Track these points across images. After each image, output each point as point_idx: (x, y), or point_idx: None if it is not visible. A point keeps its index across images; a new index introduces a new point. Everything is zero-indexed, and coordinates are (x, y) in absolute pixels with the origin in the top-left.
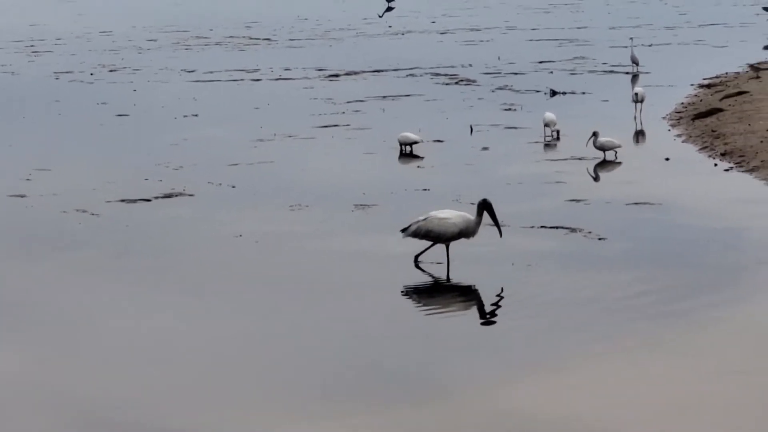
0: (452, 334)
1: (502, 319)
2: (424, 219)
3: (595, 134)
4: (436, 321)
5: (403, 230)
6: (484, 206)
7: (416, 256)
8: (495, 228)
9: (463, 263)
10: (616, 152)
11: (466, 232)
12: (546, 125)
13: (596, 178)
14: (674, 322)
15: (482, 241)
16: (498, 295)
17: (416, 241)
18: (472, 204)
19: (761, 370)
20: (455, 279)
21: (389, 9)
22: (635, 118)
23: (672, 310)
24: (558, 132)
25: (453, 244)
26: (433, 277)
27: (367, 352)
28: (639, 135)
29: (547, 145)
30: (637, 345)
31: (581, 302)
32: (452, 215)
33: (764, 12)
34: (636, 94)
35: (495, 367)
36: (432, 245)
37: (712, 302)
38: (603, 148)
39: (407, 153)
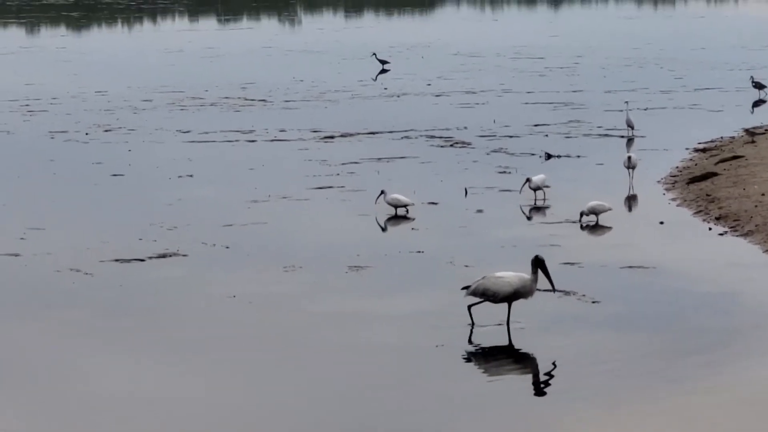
0: (445, 397)
1: (494, 382)
2: (483, 278)
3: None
4: (431, 383)
5: (465, 288)
6: (537, 263)
7: (469, 306)
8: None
9: (450, 326)
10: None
11: (522, 291)
12: (536, 189)
13: (581, 244)
14: (668, 386)
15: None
16: (491, 358)
17: (414, 304)
18: (466, 266)
19: None
20: (451, 341)
21: (384, 71)
22: (630, 185)
23: (666, 375)
24: (544, 193)
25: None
26: (433, 338)
27: (354, 415)
28: (633, 199)
29: (540, 209)
30: (631, 409)
31: (573, 365)
32: (507, 275)
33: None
34: (628, 158)
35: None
36: (479, 302)
37: (707, 366)
38: (594, 212)
39: (401, 215)
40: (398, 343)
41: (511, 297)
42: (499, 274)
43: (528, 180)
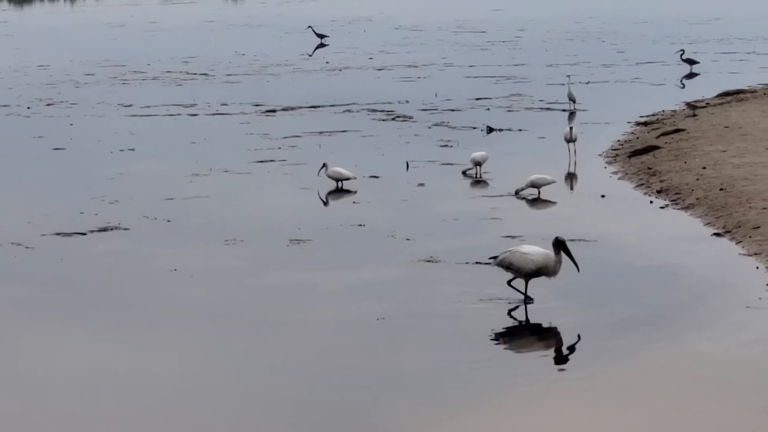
0: (388, 369)
1: (432, 355)
2: (509, 251)
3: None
4: (372, 355)
5: (493, 258)
6: (558, 244)
7: (509, 281)
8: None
9: (390, 299)
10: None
11: (546, 269)
12: (476, 164)
13: (522, 217)
14: (610, 359)
15: (418, 275)
16: (432, 332)
17: (355, 277)
18: (408, 240)
19: (697, 405)
20: (392, 313)
21: (322, 45)
22: (570, 159)
23: (607, 347)
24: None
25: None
26: (374, 311)
27: (296, 388)
28: (574, 172)
29: (481, 182)
30: (573, 382)
31: (515, 338)
32: (533, 251)
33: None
34: (570, 130)
35: (424, 404)
36: (513, 278)
37: (648, 339)
38: (535, 185)
39: (340, 188)
40: (339, 316)
41: (533, 274)
42: (525, 249)
43: (476, 165)
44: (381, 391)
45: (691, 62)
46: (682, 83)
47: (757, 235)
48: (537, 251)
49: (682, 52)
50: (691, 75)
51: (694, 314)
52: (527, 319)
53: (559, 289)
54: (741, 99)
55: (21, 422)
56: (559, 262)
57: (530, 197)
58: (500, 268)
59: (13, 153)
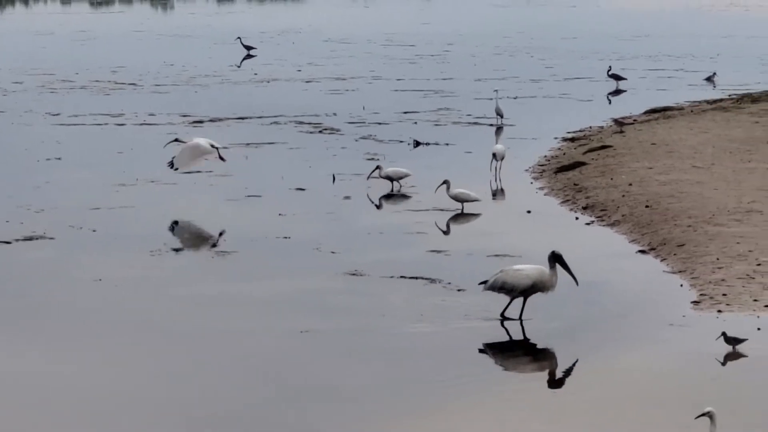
0: (305, 383)
1: (356, 368)
2: (501, 271)
3: (446, 182)
4: (292, 368)
5: (482, 283)
6: (555, 258)
7: (501, 313)
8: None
9: (315, 311)
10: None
11: (542, 285)
12: (393, 179)
13: (446, 232)
14: (531, 373)
15: (342, 288)
16: (357, 345)
17: (279, 289)
18: (333, 253)
19: (617, 419)
20: (316, 326)
21: (249, 56)
22: (495, 176)
23: (529, 362)
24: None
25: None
26: (298, 323)
27: (215, 399)
28: (501, 187)
29: (407, 197)
30: (494, 396)
31: (439, 354)
32: (526, 267)
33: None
34: (494, 154)
35: (347, 416)
36: (511, 300)
37: (570, 354)
38: (458, 199)
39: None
40: (264, 327)
41: (529, 290)
42: (517, 267)
43: (446, 183)
44: (303, 403)
45: (617, 78)
46: (609, 99)
47: (681, 253)
48: (530, 267)
49: (609, 68)
50: (617, 91)
51: (617, 331)
52: (451, 334)
53: (486, 305)
54: (668, 116)
55: None
56: (554, 275)
57: (456, 212)
58: (493, 291)
59: None
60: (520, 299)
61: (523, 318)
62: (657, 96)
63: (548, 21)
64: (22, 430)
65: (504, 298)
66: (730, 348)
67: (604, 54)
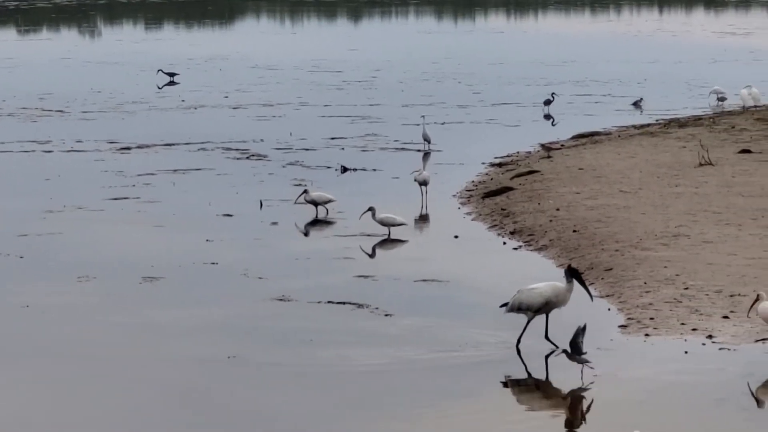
0: (232, 409)
1: (284, 393)
2: (518, 292)
3: (371, 209)
4: (219, 394)
5: (503, 306)
6: (571, 272)
7: (518, 339)
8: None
9: (243, 337)
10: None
11: (555, 301)
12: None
13: (373, 257)
14: (457, 399)
15: (270, 314)
16: (285, 371)
17: (207, 315)
18: (260, 278)
19: None
20: (243, 352)
21: (172, 83)
22: (422, 200)
23: (456, 387)
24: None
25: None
26: (225, 349)
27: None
28: (428, 213)
29: (332, 222)
30: (425, 424)
31: (364, 377)
32: (540, 285)
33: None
34: (417, 180)
35: None
36: (528, 321)
37: (498, 379)
38: (384, 224)
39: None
40: (190, 353)
41: (544, 308)
42: (531, 285)
43: (371, 210)
44: (227, 428)
45: (547, 102)
46: (552, 121)
47: (609, 277)
48: (543, 285)
49: (553, 94)
50: (548, 116)
51: (543, 354)
52: (382, 359)
53: (414, 329)
54: (596, 141)
55: None
56: (569, 290)
57: (383, 237)
58: (512, 312)
59: None
60: (539, 317)
61: (547, 336)
62: (584, 121)
63: (475, 47)
64: None
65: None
66: (654, 371)
67: (531, 80)
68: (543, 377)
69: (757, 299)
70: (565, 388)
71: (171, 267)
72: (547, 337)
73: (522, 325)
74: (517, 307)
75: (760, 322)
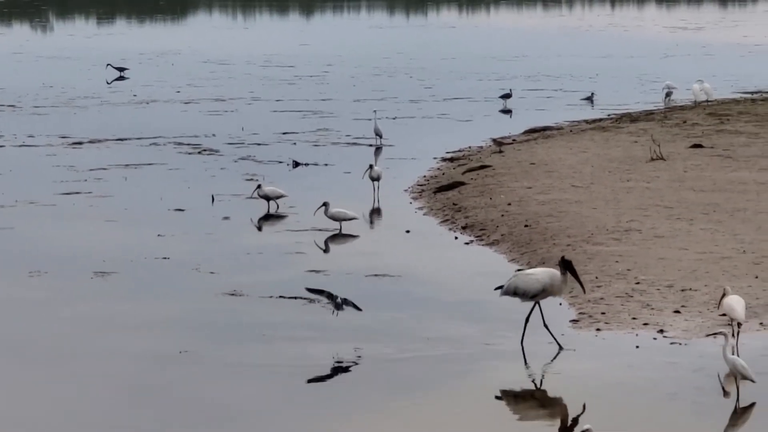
0: (182, 403)
1: (235, 386)
2: (514, 276)
3: (325, 204)
4: (169, 388)
5: (498, 288)
6: (564, 264)
7: (526, 318)
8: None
9: (194, 331)
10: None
11: (551, 289)
12: (270, 198)
13: (327, 252)
14: (409, 391)
15: (222, 308)
16: (236, 365)
17: (158, 310)
18: (212, 273)
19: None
20: (194, 346)
21: (122, 78)
22: (374, 195)
23: (407, 380)
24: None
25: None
26: (177, 344)
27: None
28: (380, 207)
29: (283, 217)
30: (374, 417)
31: (318, 371)
32: (537, 271)
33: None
34: (369, 167)
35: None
36: (533, 307)
37: (447, 372)
38: (336, 219)
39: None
40: (141, 348)
41: (540, 294)
42: (529, 271)
43: (325, 205)
44: (181, 423)
45: (506, 96)
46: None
47: None
48: (541, 271)
49: (509, 91)
50: (506, 110)
51: (496, 348)
52: (334, 354)
53: (365, 323)
54: (547, 136)
55: None
56: (565, 281)
57: (334, 231)
58: (508, 296)
59: None
60: (533, 304)
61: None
62: (536, 116)
63: (427, 42)
64: None
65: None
66: (606, 366)
67: (483, 74)
68: (498, 368)
69: (724, 294)
70: (519, 378)
71: (123, 262)
72: (545, 324)
73: (493, 317)
74: (512, 291)
75: (711, 317)
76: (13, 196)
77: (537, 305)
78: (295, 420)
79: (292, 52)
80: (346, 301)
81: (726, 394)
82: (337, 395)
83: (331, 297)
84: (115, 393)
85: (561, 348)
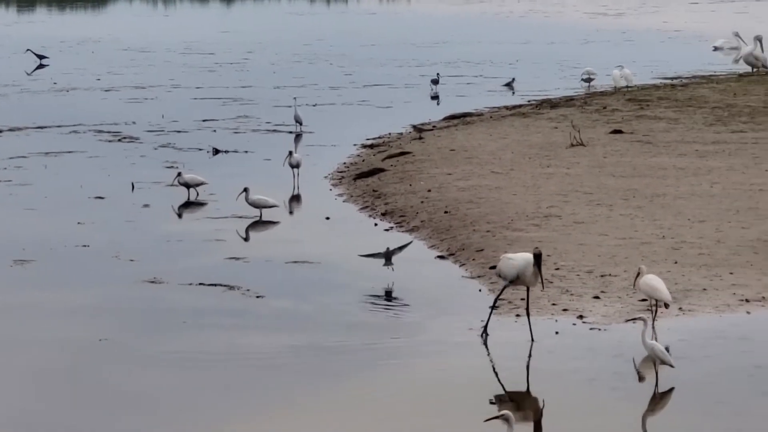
0: (103, 391)
1: (159, 375)
2: (501, 258)
3: (246, 190)
4: (89, 376)
5: (492, 267)
6: (534, 257)
7: (495, 299)
8: None
9: (114, 319)
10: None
11: (523, 276)
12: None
13: (247, 239)
14: (333, 380)
15: (142, 296)
16: (156, 352)
17: (78, 298)
18: (132, 261)
19: (415, 425)
20: (114, 334)
21: (42, 66)
22: (294, 182)
23: (325, 370)
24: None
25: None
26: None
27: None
28: (300, 194)
29: (203, 204)
30: (296, 404)
31: (239, 360)
32: (517, 256)
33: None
34: (289, 153)
35: (155, 423)
36: (505, 287)
37: (367, 361)
38: (256, 205)
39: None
40: (61, 336)
41: (515, 280)
42: (510, 255)
43: (246, 191)
44: (100, 411)
45: (435, 82)
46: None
47: (480, 258)
48: (521, 257)
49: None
50: (435, 96)
51: (415, 336)
52: (254, 342)
53: (285, 310)
54: (468, 122)
55: None
56: (535, 274)
57: (255, 218)
58: (498, 278)
59: None
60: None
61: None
62: (456, 102)
63: (347, 28)
64: None
65: None
66: (525, 352)
67: (403, 61)
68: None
69: (639, 273)
70: (440, 367)
71: (42, 250)
72: (527, 310)
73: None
74: (498, 274)
75: (631, 302)
76: None
77: (504, 288)
78: (206, 412)
79: (212, 39)
80: (395, 252)
81: (643, 379)
82: (259, 382)
83: (385, 254)
84: (34, 380)
85: (486, 334)
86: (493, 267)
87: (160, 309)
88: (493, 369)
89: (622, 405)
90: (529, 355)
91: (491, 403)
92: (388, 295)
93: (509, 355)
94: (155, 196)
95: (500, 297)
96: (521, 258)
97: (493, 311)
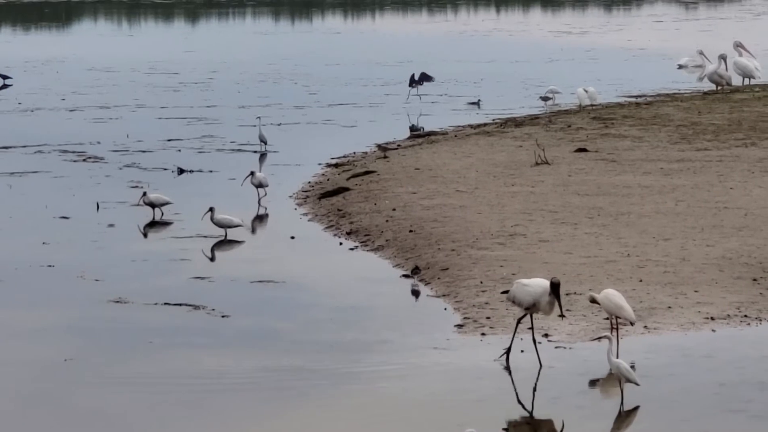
0: (66, 411)
1: (124, 395)
2: (515, 283)
3: (211, 209)
4: (53, 396)
5: (504, 292)
6: (551, 286)
7: (517, 319)
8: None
9: (79, 339)
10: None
11: (539, 304)
12: (155, 205)
13: (212, 258)
14: (297, 401)
15: (107, 316)
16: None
17: (43, 318)
18: (97, 280)
19: None
20: (79, 354)
21: (5, 86)
22: (258, 202)
23: (296, 389)
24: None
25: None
26: (62, 352)
27: None
28: (265, 214)
29: (169, 224)
30: (258, 425)
31: (204, 380)
32: (533, 283)
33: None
34: (251, 173)
35: None
36: (523, 315)
37: (331, 381)
38: (221, 225)
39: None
40: (25, 356)
41: (532, 307)
42: (525, 281)
43: (211, 210)
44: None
45: (424, 79)
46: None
47: (445, 277)
48: (536, 283)
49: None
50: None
51: (380, 356)
52: (219, 363)
53: (250, 329)
54: (432, 141)
55: None
56: (550, 303)
57: (219, 238)
58: (509, 302)
59: None
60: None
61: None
62: (421, 121)
63: (312, 48)
64: None
65: None
66: (490, 370)
67: (368, 80)
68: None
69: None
70: (406, 387)
71: (7, 270)
72: (533, 340)
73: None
74: (511, 300)
75: (595, 320)
76: None
77: (527, 316)
78: (182, 427)
79: (177, 58)
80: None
81: (609, 397)
82: (222, 402)
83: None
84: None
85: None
86: (505, 291)
87: (126, 329)
88: (457, 389)
89: (587, 424)
90: (498, 373)
91: (383, 408)
92: (353, 315)
93: (474, 375)
94: (120, 216)
95: (521, 320)
96: (537, 285)
97: (459, 330)
